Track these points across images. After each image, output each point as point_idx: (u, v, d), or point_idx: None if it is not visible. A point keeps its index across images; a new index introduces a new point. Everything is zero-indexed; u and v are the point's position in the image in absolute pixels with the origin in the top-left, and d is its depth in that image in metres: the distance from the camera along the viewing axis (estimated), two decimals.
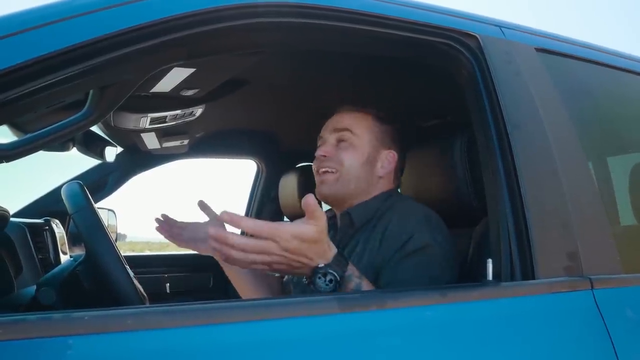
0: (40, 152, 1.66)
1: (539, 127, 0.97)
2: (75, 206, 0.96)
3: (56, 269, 1.06)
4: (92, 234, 0.94)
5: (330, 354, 0.68)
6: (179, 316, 0.63)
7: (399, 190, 1.28)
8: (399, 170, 1.24)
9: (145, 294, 1.03)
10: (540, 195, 0.91)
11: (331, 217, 1.24)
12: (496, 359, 0.78)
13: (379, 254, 1.03)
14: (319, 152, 1.17)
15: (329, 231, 1.22)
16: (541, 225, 0.89)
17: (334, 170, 1.15)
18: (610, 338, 0.83)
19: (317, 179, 1.19)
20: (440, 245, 1.02)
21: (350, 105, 1.22)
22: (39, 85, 0.69)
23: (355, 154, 1.16)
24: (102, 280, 0.91)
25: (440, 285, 0.95)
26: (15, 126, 1.23)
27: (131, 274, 0.99)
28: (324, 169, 1.16)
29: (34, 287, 1.04)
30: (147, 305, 0.94)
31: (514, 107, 0.96)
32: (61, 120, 0.83)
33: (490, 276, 0.85)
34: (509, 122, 0.94)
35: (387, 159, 1.20)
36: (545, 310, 0.85)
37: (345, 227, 1.16)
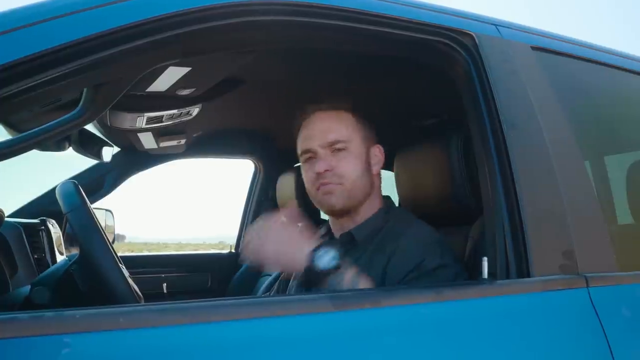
0: (38, 152, 1.66)
1: (535, 126, 0.97)
2: (70, 205, 0.96)
3: (50, 269, 1.06)
4: (86, 233, 0.93)
5: (324, 352, 0.68)
6: (172, 314, 0.63)
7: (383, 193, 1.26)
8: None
9: (140, 294, 1.03)
10: (535, 193, 0.91)
11: (325, 234, 1.22)
12: (491, 357, 0.77)
13: (387, 275, 1.03)
14: (318, 168, 1.10)
15: (318, 247, 1.22)
16: (537, 223, 0.89)
17: (339, 182, 1.10)
18: (606, 336, 0.83)
19: (319, 192, 1.13)
20: (451, 267, 1.02)
21: (327, 105, 1.16)
22: (31, 84, 0.68)
23: (355, 161, 1.12)
24: (96, 279, 0.91)
25: (435, 283, 0.95)
26: (8, 125, 1.23)
27: (126, 273, 0.99)
28: (327, 182, 1.10)
29: (29, 286, 1.03)
30: (140, 303, 0.93)
31: (510, 105, 0.96)
32: (56, 119, 0.83)
33: (485, 274, 0.85)
34: (504, 121, 0.93)
35: (377, 155, 1.18)
36: (541, 308, 0.85)
37: (342, 244, 1.14)
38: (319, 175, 1.11)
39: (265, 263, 1.02)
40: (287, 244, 1.01)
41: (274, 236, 1.01)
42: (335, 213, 1.17)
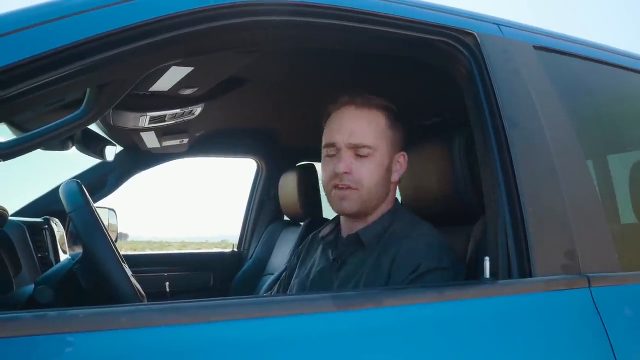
0: (42, 152, 1.67)
1: (537, 125, 0.96)
2: (73, 205, 0.96)
3: (54, 268, 1.06)
4: (89, 232, 0.93)
5: (326, 353, 0.68)
6: (174, 314, 0.63)
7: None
8: None
9: (143, 293, 1.03)
10: (538, 193, 0.91)
11: (330, 232, 1.22)
12: (493, 357, 0.77)
13: (391, 277, 1.02)
14: (339, 169, 1.07)
15: (323, 246, 1.22)
16: (539, 223, 0.88)
17: (356, 188, 1.08)
18: (608, 336, 0.83)
19: (334, 193, 1.10)
20: (448, 271, 1.01)
21: (362, 100, 1.12)
22: (35, 85, 0.69)
23: (376, 169, 1.10)
24: (99, 278, 0.91)
25: (438, 284, 0.95)
26: (13, 125, 1.23)
27: (129, 272, 0.99)
28: (344, 185, 1.08)
29: (32, 286, 1.04)
30: (142, 303, 0.93)
31: (512, 105, 0.95)
32: (59, 119, 0.83)
33: (487, 274, 0.85)
34: (507, 120, 0.93)
35: (400, 162, 1.16)
36: (543, 308, 0.84)
37: (348, 245, 1.14)
38: (337, 175, 1.09)
39: None
40: None
41: None
42: (347, 216, 1.16)
